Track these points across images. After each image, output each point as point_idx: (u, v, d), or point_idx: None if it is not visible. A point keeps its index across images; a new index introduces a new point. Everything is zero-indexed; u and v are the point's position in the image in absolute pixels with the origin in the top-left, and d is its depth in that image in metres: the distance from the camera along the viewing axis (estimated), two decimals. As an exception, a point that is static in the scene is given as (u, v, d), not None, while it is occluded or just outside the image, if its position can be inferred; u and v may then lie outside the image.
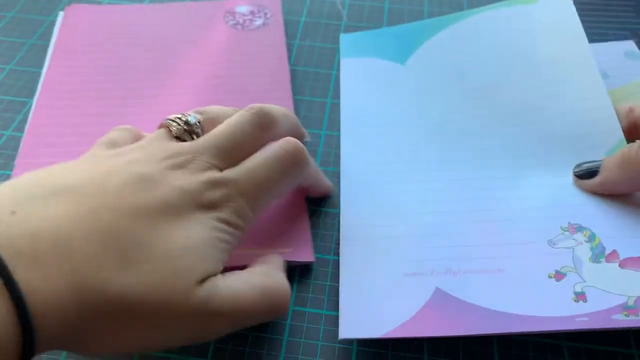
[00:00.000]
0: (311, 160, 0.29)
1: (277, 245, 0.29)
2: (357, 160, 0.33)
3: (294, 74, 0.40)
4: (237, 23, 0.41)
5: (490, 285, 0.27)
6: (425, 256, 0.28)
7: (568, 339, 0.27)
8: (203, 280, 0.22)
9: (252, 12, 0.42)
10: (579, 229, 0.29)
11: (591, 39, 0.44)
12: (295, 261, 0.29)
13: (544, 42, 0.36)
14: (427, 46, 0.39)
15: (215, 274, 0.23)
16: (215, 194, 0.24)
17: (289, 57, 0.42)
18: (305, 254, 0.30)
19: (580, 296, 0.26)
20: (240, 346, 0.27)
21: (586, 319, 0.25)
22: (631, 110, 0.32)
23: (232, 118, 0.27)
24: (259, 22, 0.41)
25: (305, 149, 0.28)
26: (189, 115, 0.27)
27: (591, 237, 0.28)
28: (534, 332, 0.25)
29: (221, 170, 0.25)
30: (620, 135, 0.31)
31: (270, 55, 0.40)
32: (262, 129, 0.27)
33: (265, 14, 0.42)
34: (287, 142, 0.27)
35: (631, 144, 0.28)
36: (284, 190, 0.28)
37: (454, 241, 0.29)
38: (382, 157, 0.33)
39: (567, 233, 0.28)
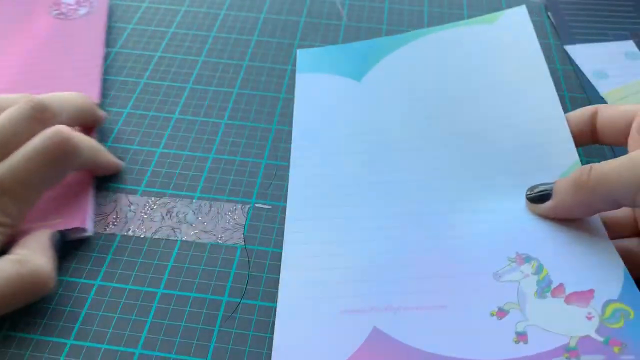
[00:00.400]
0: (87, 144, 0.30)
1: (49, 218, 0.29)
2: (305, 176, 0.32)
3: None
4: (61, 13, 0.43)
5: (430, 324, 0.25)
6: (365, 291, 0.27)
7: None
8: None
9: (77, 2, 0.43)
10: (527, 259, 0.27)
11: (591, 39, 0.44)
12: (68, 230, 0.29)
13: (502, 61, 0.36)
14: (384, 63, 0.39)
15: None
16: None
17: (288, 59, 0.42)
18: (76, 221, 0.30)
19: (521, 337, 0.24)
20: (241, 346, 0.27)
21: None
22: (596, 112, 0.31)
23: (7, 112, 0.27)
24: (83, 11, 0.43)
25: (74, 137, 0.28)
26: None
27: (539, 269, 0.27)
28: None
29: None
30: (575, 157, 0.31)
31: (87, 42, 0.41)
32: (38, 122, 0.28)
33: (91, 2, 0.44)
34: (52, 133, 0.27)
35: (583, 167, 0.27)
36: (55, 181, 0.29)
37: (397, 274, 0.27)
38: (329, 178, 0.32)
39: (514, 264, 0.27)
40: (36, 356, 0.26)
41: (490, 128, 0.34)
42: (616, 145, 0.31)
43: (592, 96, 0.40)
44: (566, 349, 0.24)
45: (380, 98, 0.37)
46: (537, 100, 0.34)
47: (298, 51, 0.42)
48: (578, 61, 0.42)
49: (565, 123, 0.32)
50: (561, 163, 0.31)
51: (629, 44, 0.42)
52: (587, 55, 0.42)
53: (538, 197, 0.29)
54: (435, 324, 0.25)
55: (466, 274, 0.27)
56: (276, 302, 0.28)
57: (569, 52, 0.43)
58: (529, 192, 0.30)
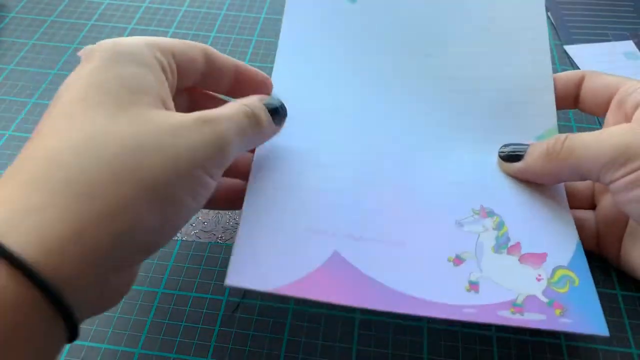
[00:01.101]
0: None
1: None
2: (285, 96, 0.30)
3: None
4: None
5: (388, 258, 0.26)
6: (329, 213, 0.27)
7: (567, 339, 0.27)
8: None
9: None
10: (490, 214, 0.28)
11: (591, 39, 0.44)
12: None
13: (503, 11, 0.35)
14: None
15: None
16: None
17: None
18: None
19: (473, 286, 0.25)
20: (241, 346, 0.27)
21: (473, 310, 0.24)
22: (583, 78, 0.31)
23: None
24: None
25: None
26: None
27: (499, 225, 0.27)
28: (420, 315, 0.24)
29: None
30: (554, 122, 0.31)
31: None
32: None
33: None
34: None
35: (558, 137, 0.27)
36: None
37: (363, 204, 0.28)
38: (310, 100, 0.31)
39: (477, 216, 0.28)
40: (36, 356, 0.26)
41: (477, 76, 0.33)
42: (595, 116, 0.31)
43: (592, 96, 0.40)
44: (513, 304, 0.25)
45: (373, 25, 0.35)
46: (528, 57, 0.33)
47: None
48: (578, 61, 0.42)
49: (552, 85, 0.32)
50: (539, 125, 0.31)
51: (629, 44, 0.42)
52: (586, 55, 0.42)
53: (510, 157, 0.29)
54: (392, 259, 0.26)
55: (430, 216, 0.27)
56: (276, 301, 0.28)
57: (568, 52, 0.43)
58: (502, 150, 0.30)
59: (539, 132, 0.31)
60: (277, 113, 0.27)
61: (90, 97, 0.21)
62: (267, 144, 0.29)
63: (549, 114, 0.31)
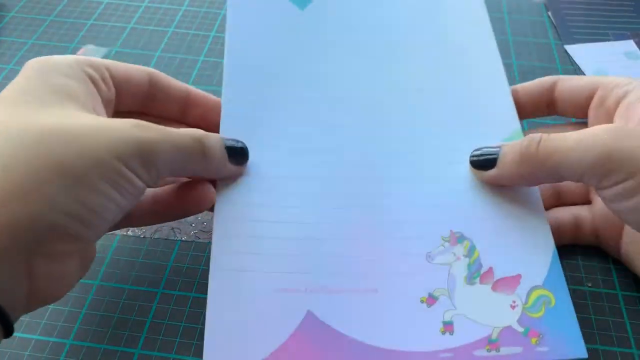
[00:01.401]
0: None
1: None
2: (237, 126, 0.29)
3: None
4: None
5: (361, 310, 0.25)
6: (299, 267, 0.26)
7: (568, 339, 0.27)
8: None
9: None
10: (460, 239, 0.27)
11: (591, 39, 0.44)
12: None
13: (453, 26, 0.34)
14: None
15: None
16: None
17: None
18: None
19: (447, 327, 0.24)
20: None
21: (449, 355, 0.24)
22: (555, 83, 0.30)
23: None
24: None
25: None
26: None
27: (470, 251, 0.26)
28: None
29: None
30: (517, 125, 0.30)
31: None
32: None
33: None
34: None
35: (531, 137, 0.25)
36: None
37: (332, 249, 0.26)
38: (265, 133, 0.29)
39: (447, 244, 0.27)
40: (36, 356, 0.26)
41: (433, 87, 0.32)
42: (575, 118, 0.31)
43: (592, 96, 0.40)
44: (488, 340, 0.24)
45: (320, 34, 0.33)
46: (484, 69, 0.32)
47: None
48: (578, 61, 0.42)
49: (508, 89, 0.31)
50: (503, 130, 0.30)
51: (629, 44, 0.42)
52: (587, 55, 0.42)
53: (482, 163, 0.27)
54: (366, 310, 0.25)
55: (400, 253, 0.26)
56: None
57: (569, 51, 0.43)
58: (473, 155, 0.28)
59: (505, 135, 0.30)
60: (235, 153, 0.27)
61: (17, 98, 0.22)
62: (229, 189, 0.27)
63: (511, 117, 0.30)
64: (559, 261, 0.26)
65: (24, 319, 0.27)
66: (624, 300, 0.29)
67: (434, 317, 0.25)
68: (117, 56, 0.42)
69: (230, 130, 0.28)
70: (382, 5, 0.35)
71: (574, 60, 0.42)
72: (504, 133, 0.30)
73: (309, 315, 0.25)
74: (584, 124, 0.30)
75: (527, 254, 0.26)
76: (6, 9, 0.45)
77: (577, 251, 0.31)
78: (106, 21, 0.45)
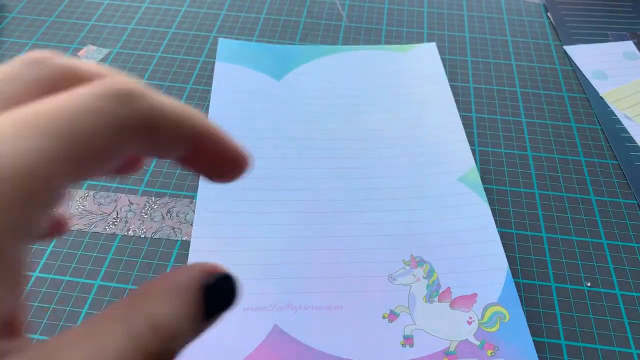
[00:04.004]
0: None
1: None
2: None
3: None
4: None
5: (326, 324, 0.27)
6: (267, 289, 0.28)
7: (568, 339, 0.27)
8: None
9: None
10: (420, 262, 0.29)
11: (590, 40, 0.44)
12: None
13: (411, 83, 0.40)
14: (304, 68, 0.40)
15: None
16: None
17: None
18: None
19: (407, 340, 0.26)
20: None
21: None
22: None
23: None
24: None
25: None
26: None
27: (429, 273, 0.29)
28: None
29: None
30: (471, 163, 0.34)
31: None
32: None
33: None
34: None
35: None
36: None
37: (299, 272, 0.29)
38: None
39: (408, 267, 0.29)
40: (37, 356, 0.26)
41: (400, 137, 0.36)
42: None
43: (591, 97, 0.40)
44: (446, 352, 0.26)
45: (296, 99, 0.38)
46: (441, 118, 0.37)
47: (219, 40, 0.42)
48: (577, 61, 0.42)
49: (464, 136, 0.36)
50: (460, 168, 0.34)
51: (628, 44, 0.42)
52: (586, 56, 0.42)
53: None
54: (331, 325, 0.27)
55: (364, 275, 0.29)
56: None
57: (568, 52, 0.43)
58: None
59: (460, 173, 0.34)
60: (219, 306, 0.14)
61: None
62: (203, 224, 0.30)
63: (467, 158, 0.35)
64: (512, 280, 0.29)
65: (25, 318, 0.27)
66: (623, 300, 0.29)
67: (395, 332, 0.27)
68: (118, 56, 0.42)
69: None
70: (351, 77, 0.40)
71: (572, 61, 0.43)
72: (461, 171, 0.34)
73: (275, 328, 0.26)
74: None
75: (483, 276, 0.29)
76: (7, 10, 0.45)
77: (576, 251, 0.31)
78: (107, 22, 0.45)
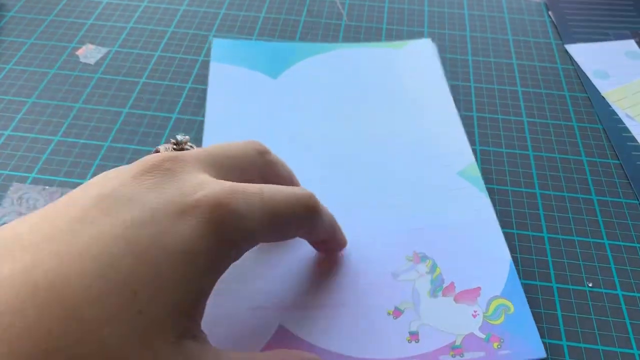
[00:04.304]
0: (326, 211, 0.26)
1: None
2: None
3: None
4: None
5: (331, 323, 0.26)
6: (272, 287, 0.28)
7: (569, 340, 0.27)
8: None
9: None
10: (423, 258, 0.29)
11: (592, 39, 0.44)
12: None
13: (408, 79, 0.40)
14: (300, 66, 0.40)
15: None
16: None
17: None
18: None
19: (413, 336, 0.26)
20: (240, 346, 0.27)
21: None
22: None
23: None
24: None
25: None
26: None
27: (432, 268, 0.29)
28: None
29: None
30: (471, 158, 0.34)
31: None
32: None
33: None
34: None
35: None
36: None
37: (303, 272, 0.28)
38: None
39: (410, 263, 0.29)
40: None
41: (398, 133, 0.36)
42: None
43: (593, 96, 0.40)
44: (452, 347, 0.26)
45: (293, 97, 0.38)
46: (439, 113, 0.37)
47: (213, 40, 0.42)
48: (579, 60, 0.42)
49: (463, 130, 0.36)
50: (459, 161, 0.34)
51: (630, 43, 0.42)
52: (587, 55, 0.42)
53: None
54: (336, 323, 0.27)
55: (368, 272, 0.29)
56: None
57: (569, 51, 0.43)
58: None
59: (460, 167, 0.34)
60: None
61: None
62: None
63: (466, 152, 0.35)
64: (515, 272, 0.29)
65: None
66: (625, 300, 0.29)
67: (400, 328, 0.27)
68: (117, 55, 0.42)
69: None
70: (347, 75, 0.40)
71: (574, 60, 0.42)
72: (460, 166, 0.34)
73: (281, 329, 0.26)
74: None
75: (486, 269, 0.29)
76: (5, 9, 0.45)
77: (578, 251, 0.31)
78: (106, 21, 0.45)
